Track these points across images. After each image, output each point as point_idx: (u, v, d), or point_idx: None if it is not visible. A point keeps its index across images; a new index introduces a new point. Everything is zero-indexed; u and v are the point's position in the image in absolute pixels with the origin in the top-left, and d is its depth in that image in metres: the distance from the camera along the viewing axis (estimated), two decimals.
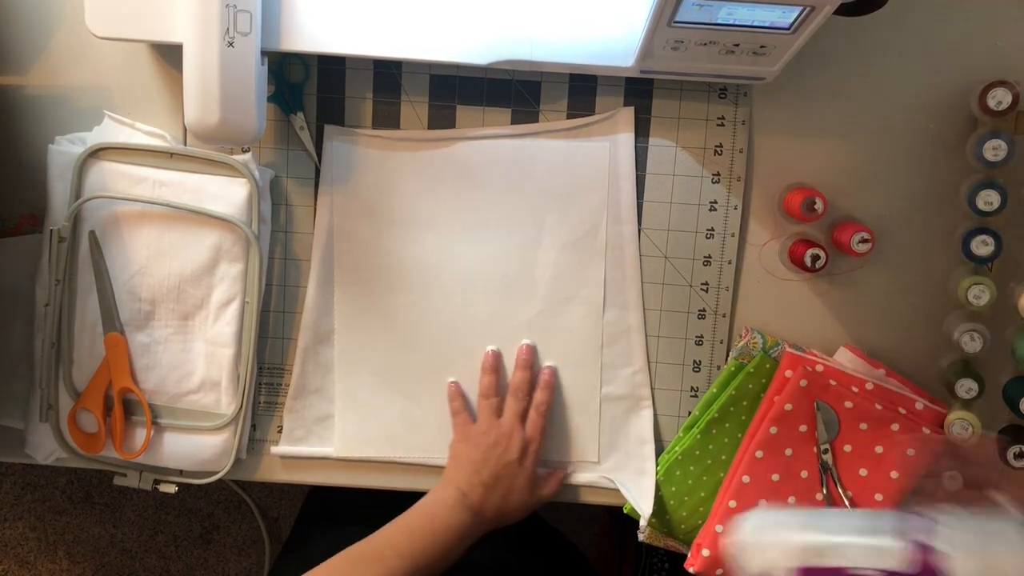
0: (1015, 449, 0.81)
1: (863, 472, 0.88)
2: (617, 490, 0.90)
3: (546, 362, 0.91)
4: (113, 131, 0.88)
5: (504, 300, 0.90)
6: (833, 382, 0.87)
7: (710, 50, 0.75)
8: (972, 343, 0.82)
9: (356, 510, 0.89)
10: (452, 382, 0.91)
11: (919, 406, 0.87)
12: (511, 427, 0.88)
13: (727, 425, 0.90)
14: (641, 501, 0.89)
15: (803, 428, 0.88)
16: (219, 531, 1.77)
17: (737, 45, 0.74)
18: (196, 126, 0.77)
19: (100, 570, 1.79)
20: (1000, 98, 0.79)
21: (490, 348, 0.90)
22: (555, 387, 0.91)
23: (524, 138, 0.88)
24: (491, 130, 0.88)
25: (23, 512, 1.77)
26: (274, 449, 0.92)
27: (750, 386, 0.89)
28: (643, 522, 0.89)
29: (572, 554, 1.13)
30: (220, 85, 0.75)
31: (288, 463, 0.93)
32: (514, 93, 0.88)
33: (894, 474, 0.87)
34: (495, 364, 0.90)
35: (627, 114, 0.87)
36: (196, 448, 0.90)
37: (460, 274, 0.90)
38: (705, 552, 0.89)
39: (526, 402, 0.89)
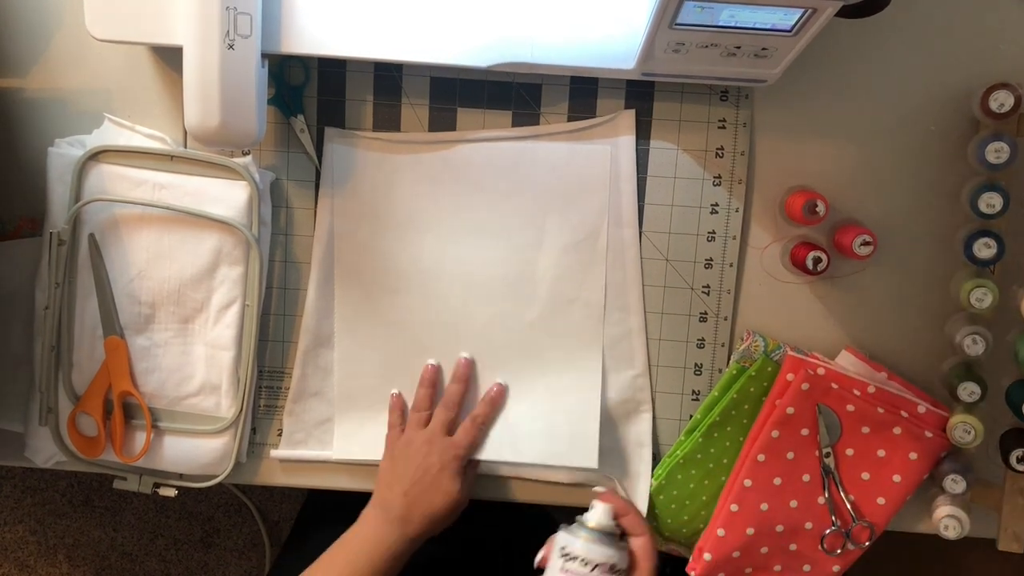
0: (1018, 452, 0.81)
1: (865, 476, 0.88)
2: (615, 488, 0.90)
3: (546, 361, 0.90)
4: (113, 134, 0.88)
5: (504, 303, 0.89)
6: (835, 385, 0.86)
7: (711, 52, 0.75)
8: (974, 346, 0.82)
9: (355, 512, 0.89)
10: (395, 393, 0.91)
11: (921, 409, 0.87)
12: (433, 434, 0.86)
13: (729, 429, 0.89)
14: (637, 503, 0.89)
15: (805, 431, 0.87)
16: (219, 534, 1.76)
17: (739, 47, 0.74)
18: (196, 129, 0.77)
19: (100, 574, 1.78)
20: (1002, 100, 0.79)
21: (431, 362, 0.90)
22: (500, 406, 0.90)
23: (525, 140, 0.87)
24: (492, 132, 0.87)
25: (23, 515, 1.76)
26: (274, 452, 0.92)
27: (752, 389, 0.88)
28: None
29: None
30: (220, 88, 0.75)
31: (288, 466, 0.93)
32: (515, 96, 0.87)
33: (896, 477, 0.87)
34: (432, 378, 0.90)
35: (628, 116, 0.87)
36: (196, 451, 0.90)
37: (460, 276, 0.89)
38: (707, 556, 0.89)
39: (455, 412, 0.88)
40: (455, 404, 0.88)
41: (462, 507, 0.86)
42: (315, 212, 0.89)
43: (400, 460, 0.86)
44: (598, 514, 0.78)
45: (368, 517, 0.84)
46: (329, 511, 1.06)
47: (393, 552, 0.82)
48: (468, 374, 0.90)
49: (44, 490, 1.75)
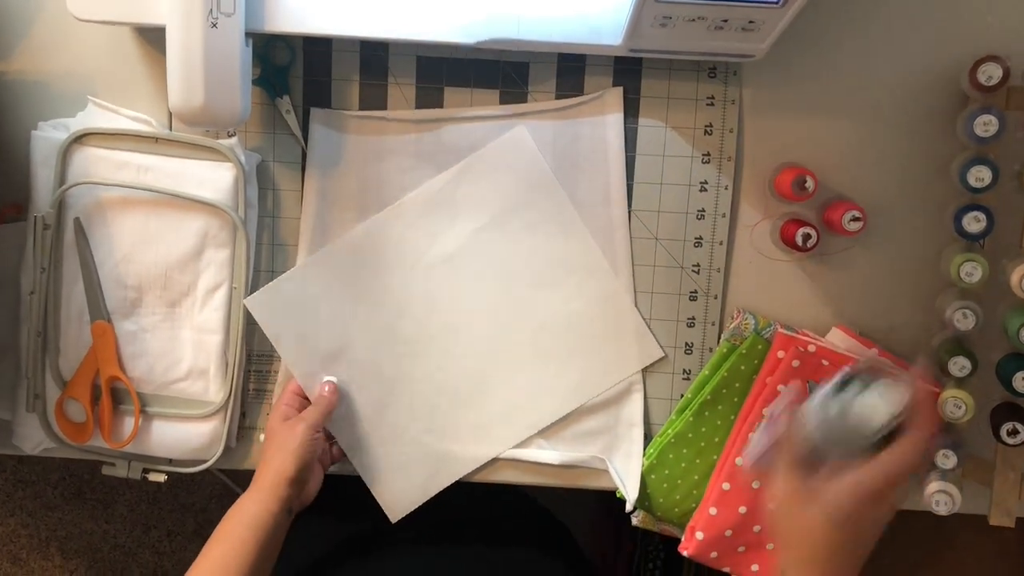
0: (1008, 426, 0.81)
1: None
2: (607, 472, 0.90)
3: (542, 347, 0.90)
4: (97, 117, 0.87)
5: (492, 282, 0.89)
6: (826, 362, 0.86)
7: (698, 26, 0.75)
8: (964, 320, 0.82)
9: (345, 494, 0.88)
10: (330, 381, 0.89)
11: None
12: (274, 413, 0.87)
13: (720, 407, 0.89)
14: (627, 484, 0.89)
15: None
16: (212, 525, 1.73)
17: (726, 21, 0.74)
18: (180, 109, 0.76)
19: (93, 566, 1.78)
20: (991, 73, 0.79)
21: (331, 380, 0.89)
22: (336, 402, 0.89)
23: (512, 119, 0.87)
24: (479, 110, 0.87)
25: (14, 508, 1.76)
26: (264, 437, 0.91)
27: (742, 368, 0.88)
28: (629, 505, 0.88)
29: (562, 535, 1.12)
30: (204, 67, 0.75)
31: None
32: (502, 74, 0.87)
33: None
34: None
35: (616, 94, 0.87)
36: (185, 436, 0.89)
37: (445, 257, 0.89)
38: (699, 535, 0.89)
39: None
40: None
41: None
42: (301, 194, 0.88)
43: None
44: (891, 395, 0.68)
45: (247, 495, 0.84)
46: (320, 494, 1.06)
47: (271, 521, 0.81)
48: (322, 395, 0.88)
49: (36, 483, 1.74)
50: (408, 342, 0.89)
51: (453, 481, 0.91)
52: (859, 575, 0.69)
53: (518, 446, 0.90)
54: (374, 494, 0.90)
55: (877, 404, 0.68)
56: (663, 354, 0.89)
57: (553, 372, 0.90)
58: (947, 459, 0.84)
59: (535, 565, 1.01)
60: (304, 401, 0.88)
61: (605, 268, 0.89)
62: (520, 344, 0.90)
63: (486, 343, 0.90)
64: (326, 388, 0.88)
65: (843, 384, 0.70)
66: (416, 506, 0.91)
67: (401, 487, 0.90)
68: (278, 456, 0.82)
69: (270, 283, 0.87)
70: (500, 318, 0.89)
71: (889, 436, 0.67)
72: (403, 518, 0.91)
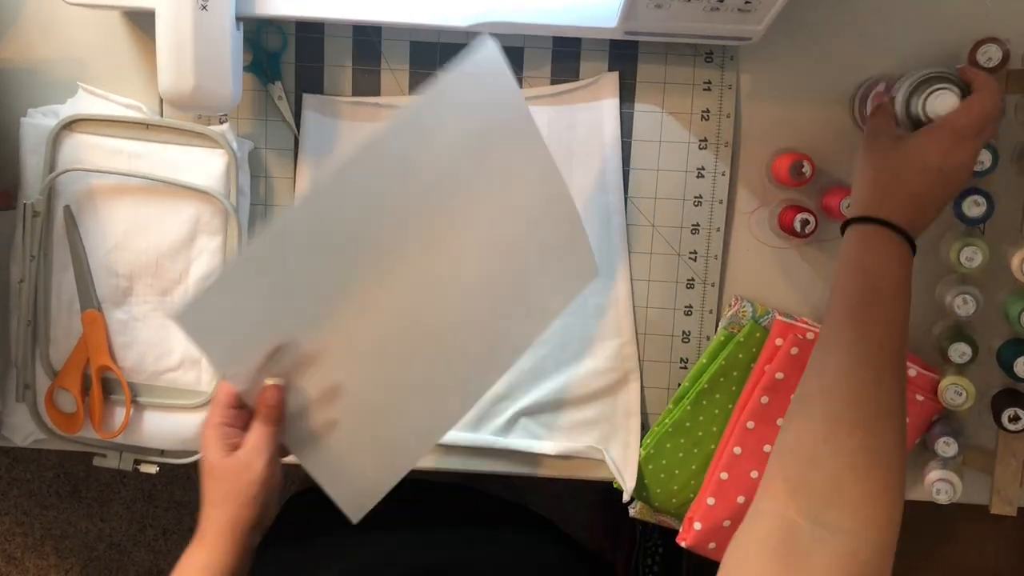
0: (1010, 412, 0.80)
1: None
2: (604, 463, 0.89)
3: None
4: (87, 103, 0.86)
5: (445, 254, 0.76)
6: None
7: (694, 8, 0.74)
8: (965, 306, 0.81)
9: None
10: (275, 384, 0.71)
11: (912, 373, 0.85)
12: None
13: (717, 396, 0.88)
14: (624, 474, 0.88)
15: None
16: None
17: (721, 1, 0.73)
18: (170, 93, 0.75)
19: (89, 565, 1.76)
20: (991, 54, 0.78)
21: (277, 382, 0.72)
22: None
23: None
24: None
25: (9, 507, 1.74)
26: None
27: (740, 356, 0.87)
28: (626, 496, 0.87)
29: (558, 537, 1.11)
30: (194, 50, 0.74)
31: None
32: None
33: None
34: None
35: (611, 79, 0.86)
36: (177, 427, 0.88)
37: (436, 244, 0.79)
38: (697, 525, 0.88)
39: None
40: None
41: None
42: (294, 181, 0.88)
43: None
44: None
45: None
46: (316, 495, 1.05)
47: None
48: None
49: (30, 481, 1.73)
50: (352, 318, 0.73)
51: (410, 468, 0.78)
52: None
53: (509, 435, 0.89)
54: (331, 496, 0.75)
55: (949, 103, 0.70)
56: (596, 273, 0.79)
57: (500, 330, 0.79)
58: (948, 447, 0.83)
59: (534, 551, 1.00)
60: (243, 414, 0.71)
61: (572, 214, 0.77)
62: (473, 314, 0.77)
63: (434, 316, 0.76)
64: (273, 395, 0.70)
65: (919, 85, 0.73)
66: (375, 502, 0.77)
67: (357, 484, 0.77)
68: (231, 504, 0.68)
69: (197, 294, 0.68)
70: (449, 289, 0.76)
71: None
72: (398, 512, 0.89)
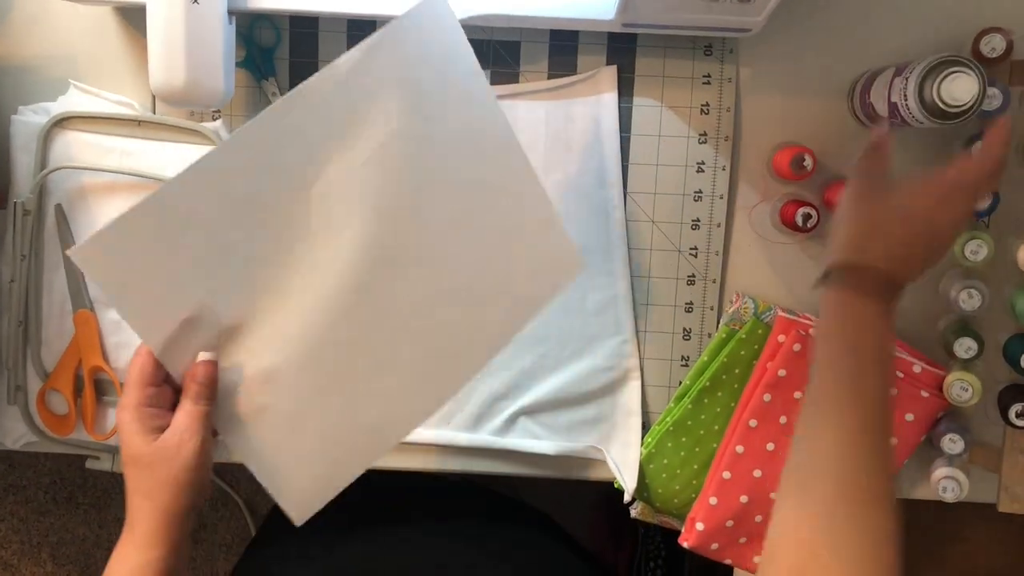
0: (1017, 408, 0.79)
1: None
2: (604, 462, 0.87)
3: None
4: (78, 100, 0.85)
5: (399, 212, 0.70)
6: None
7: None
8: (970, 300, 0.80)
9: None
10: (208, 360, 0.66)
11: (917, 369, 0.84)
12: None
13: (719, 394, 0.87)
14: (625, 474, 0.86)
15: (798, 395, 0.85)
16: (206, 529, 1.73)
17: None
18: (162, 88, 0.74)
19: (86, 572, 1.75)
20: (994, 45, 0.77)
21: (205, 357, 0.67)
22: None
23: (503, 100, 0.85)
24: None
25: (5, 514, 1.73)
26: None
27: (742, 353, 0.86)
28: (627, 496, 0.86)
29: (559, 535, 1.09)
30: (185, 44, 0.73)
31: None
32: (492, 53, 0.85)
33: (892, 440, 0.84)
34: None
35: (610, 73, 0.85)
36: None
37: (384, 215, 0.70)
38: (700, 526, 0.86)
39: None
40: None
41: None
42: None
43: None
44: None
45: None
46: None
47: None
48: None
49: (26, 487, 1.72)
50: (283, 292, 0.67)
51: (365, 468, 0.72)
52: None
53: (508, 435, 0.88)
54: (270, 492, 0.70)
55: (966, 86, 0.69)
56: (581, 269, 0.73)
57: (469, 318, 0.72)
58: (954, 444, 0.82)
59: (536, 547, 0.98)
60: (165, 392, 0.66)
61: (538, 192, 0.71)
62: (428, 300, 0.70)
63: (383, 301, 0.69)
64: (205, 370, 0.65)
65: (932, 69, 0.71)
66: (323, 503, 0.71)
67: (301, 482, 0.70)
68: (163, 494, 0.63)
69: (101, 229, 0.63)
70: (398, 270, 0.69)
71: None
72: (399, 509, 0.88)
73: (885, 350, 0.63)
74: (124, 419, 0.64)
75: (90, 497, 1.73)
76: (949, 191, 0.65)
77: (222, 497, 1.71)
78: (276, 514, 1.09)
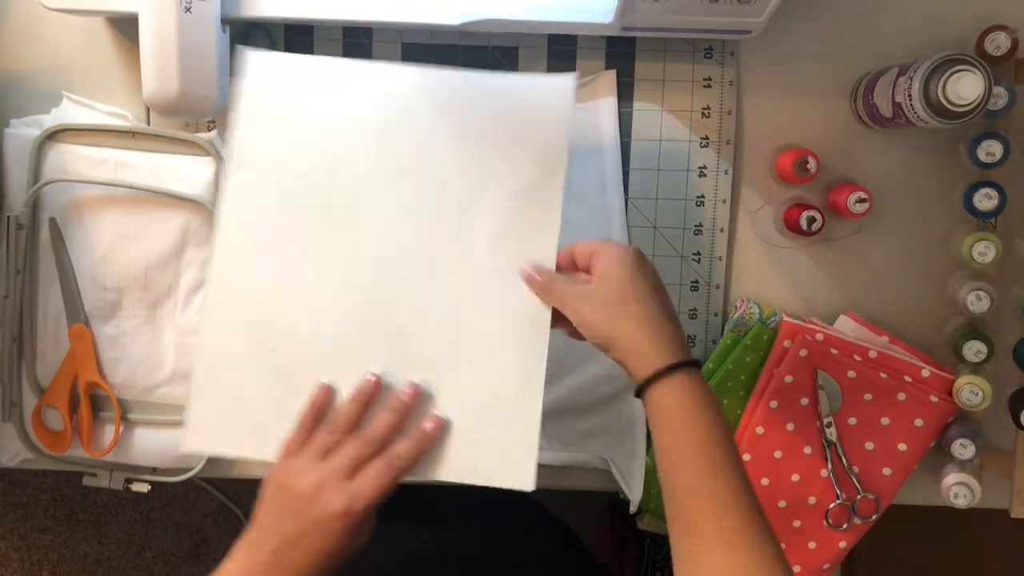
0: None
1: (869, 445, 0.84)
2: (610, 472, 0.86)
3: (474, 340, 0.72)
4: (72, 112, 0.84)
5: (428, 260, 0.73)
6: (834, 351, 0.83)
7: (692, 0, 0.72)
8: (979, 303, 0.79)
9: None
10: (325, 385, 0.69)
11: (925, 373, 0.83)
12: (330, 476, 0.64)
13: (725, 401, 0.85)
14: (631, 484, 0.85)
15: (804, 401, 0.83)
16: (208, 544, 1.72)
17: None
18: (155, 98, 0.73)
19: None
20: (999, 43, 0.76)
21: (374, 372, 0.69)
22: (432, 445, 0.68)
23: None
24: None
25: (5, 532, 1.72)
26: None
27: (747, 359, 0.85)
28: (633, 507, 0.85)
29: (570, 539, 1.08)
30: (178, 54, 0.72)
31: None
32: (490, 59, 0.84)
33: (902, 446, 0.83)
34: (369, 395, 0.69)
35: (609, 77, 0.84)
36: (168, 443, 0.85)
37: (377, 227, 0.72)
38: None
39: (376, 449, 0.67)
40: (377, 443, 0.67)
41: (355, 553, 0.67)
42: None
43: (280, 494, 0.66)
44: None
45: (239, 556, 0.65)
46: None
47: None
48: (413, 406, 0.69)
49: (26, 505, 1.71)
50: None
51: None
52: None
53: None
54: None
55: (972, 85, 0.68)
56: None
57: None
58: (965, 449, 0.80)
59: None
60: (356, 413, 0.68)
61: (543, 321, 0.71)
62: (421, 336, 0.71)
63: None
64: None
65: (937, 67, 0.70)
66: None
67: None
68: (313, 560, 0.63)
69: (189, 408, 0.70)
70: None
71: None
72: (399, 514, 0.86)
73: (721, 428, 0.62)
74: (299, 465, 0.67)
75: (90, 514, 1.72)
76: (634, 257, 0.67)
77: (223, 512, 1.69)
78: None
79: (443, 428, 0.68)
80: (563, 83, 0.72)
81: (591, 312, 0.65)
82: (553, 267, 0.70)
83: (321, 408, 0.69)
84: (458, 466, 0.69)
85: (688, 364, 0.62)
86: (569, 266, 0.70)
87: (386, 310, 0.71)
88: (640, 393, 0.63)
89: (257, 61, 0.73)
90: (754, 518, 0.58)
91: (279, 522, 0.64)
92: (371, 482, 0.64)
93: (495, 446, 0.69)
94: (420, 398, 0.69)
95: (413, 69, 0.73)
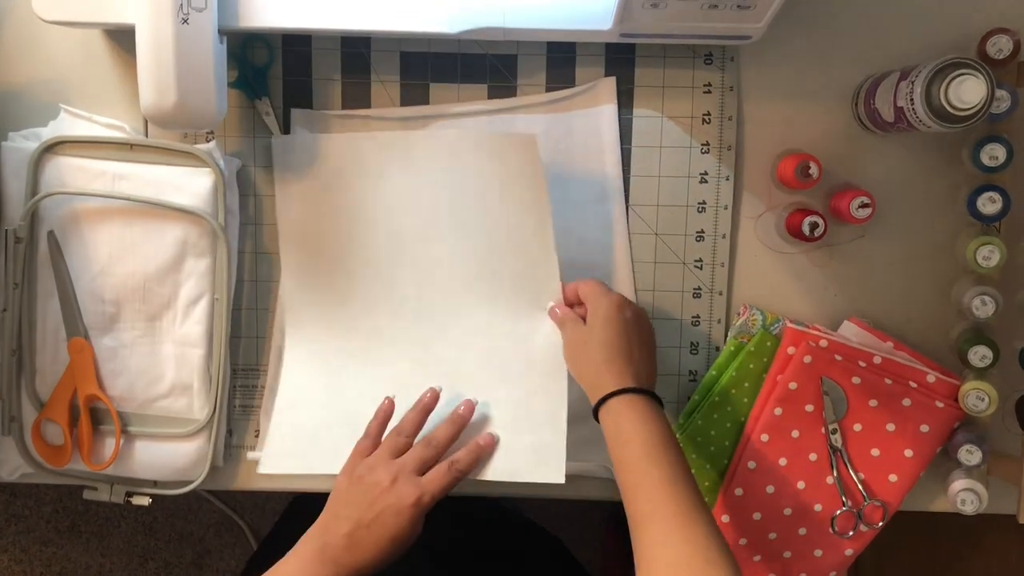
0: None
1: (875, 452, 0.83)
2: (613, 481, 0.85)
3: (507, 364, 0.83)
4: (69, 125, 0.84)
5: (464, 303, 0.85)
6: (839, 357, 0.82)
7: (691, 6, 0.71)
8: (983, 307, 0.78)
9: None
10: (389, 398, 0.81)
11: (931, 378, 0.82)
12: (402, 470, 0.74)
13: (729, 409, 0.85)
14: None
15: (809, 408, 0.83)
16: (211, 555, 1.71)
17: None
18: (152, 110, 0.73)
19: None
20: (1001, 46, 0.75)
21: (435, 387, 0.80)
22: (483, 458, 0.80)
23: (502, 114, 0.83)
24: (467, 106, 0.83)
25: (7, 544, 1.71)
26: (250, 455, 0.87)
27: (751, 366, 0.84)
28: None
29: (556, 549, 1.07)
30: (176, 65, 0.71)
31: None
32: (489, 68, 0.83)
33: (908, 452, 0.83)
34: (430, 405, 0.80)
35: (609, 84, 0.83)
36: (169, 456, 0.85)
37: (419, 272, 0.84)
38: None
39: (438, 454, 0.77)
40: (441, 447, 0.78)
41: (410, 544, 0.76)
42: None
43: (357, 485, 0.75)
44: None
45: (303, 552, 0.73)
46: (315, 509, 1.01)
47: None
48: (468, 419, 0.80)
49: (28, 517, 1.70)
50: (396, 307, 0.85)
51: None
52: None
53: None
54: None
55: (975, 89, 0.68)
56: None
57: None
58: (971, 455, 0.79)
59: None
60: (419, 420, 0.79)
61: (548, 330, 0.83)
62: (462, 363, 0.85)
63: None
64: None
65: (939, 71, 0.70)
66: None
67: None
68: (384, 546, 0.72)
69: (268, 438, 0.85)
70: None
71: None
72: None
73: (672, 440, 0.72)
74: (383, 459, 0.77)
75: (93, 526, 1.71)
76: (612, 300, 0.77)
77: (226, 522, 1.69)
78: (278, 530, 1.08)
79: (494, 443, 0.80)
80: (528, 141, 0.78)
81: (568, 353, 0.79)
82: (561, 300, 0.82)
83: (386, 418, 0.80)
84: (501, 467, 0.80)
85: (630, 391, 0.72)
86: (573, 301, 0.81)
87: (432, 348, 0.85)
88: (596, 418, 0.74)
89: (281, 145, 0.84)
90: (691, 503, 0.66)
91: (355, 509, 0.73)
92: (438, 480, 0.75)
93: (530, 449, 0.80)
94: (474, 412, 0.81)
95: (416, 134, 0.84)
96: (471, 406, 0.81)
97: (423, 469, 0.75)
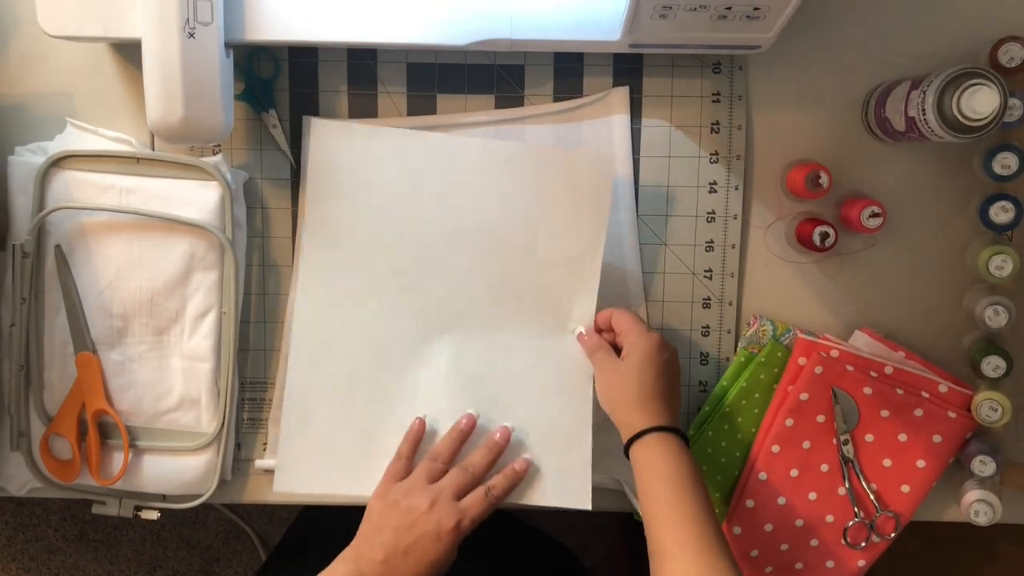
0: None
1: (887, 463, 0.83)
2: (623, 493, 0.85)
3: (531, 386, 0.83)
4: (76, 138, 0.83)
5: (486, 319, 0.84)
6: (850, 367, 0.81)
7: (701, 16, 0.71)
8: (996, 317, 0.77)
9: (351, 524, 0.83)
10: (420, 418, 0.82)
11: (943, 389, 0.82)
12: (440, 495, 0.75)
13: (740, 420, 0.84)
14: None
15: (821, 418, 0.82)
16: (219, 563, 1.71)
17: (729, 8, 0.70)
18: (159, 124, 0.73)
19: None
20: (1012, 53, 0.75)
21: (471, 412, 0.81)
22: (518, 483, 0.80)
23: (510, 124, 0.83)
24: (474, 116, 0.83)
25: (16, 553, 1.71)
26: (259, 463, 0.86)
27: (762, 377, 0.84)
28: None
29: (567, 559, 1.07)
30: (182, 79, 0.71)
31: None
32: (497, 78, 0.83)
33: (920, 463, 0.82)
34: (467, 431, 0.80)
35: (621, 94, 0.83)
36: (178, 470, 0.85)
37: (440, 284, 0.83)
38: None
39: (475, 480, 0.78)
40: (478, 474, 0.78)
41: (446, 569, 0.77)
42: (292, 211, 0.85)
43: (393, 510, 0.75)
44: None
45: (339, 569, 0.74)
46: (325, 520, 1.01)
47: None
48: (504, 445, 0.81)
49: (36, 526, 1.70)
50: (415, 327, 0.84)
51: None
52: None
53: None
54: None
55: (987, 99, 0.68)
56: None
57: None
58: (985, 466, 0.79)
59: None
60: (455, 446, 0.80)
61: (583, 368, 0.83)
62: (485, 385, 0.84)
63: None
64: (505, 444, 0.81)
65: (951, 81, 0.69)
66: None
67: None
68: (421, 571, 0.72)
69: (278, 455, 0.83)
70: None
71: None
72: None
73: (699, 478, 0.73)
74: (414, 482, 0.77)
75: (100, 534, 1.71)
76: (656, 342, 0.77)
77: (234, 530, 1.68)
78: (287, 541, 1.07)
79: (529, 468, 0.80)
80: (605, 165, 0.81)
81: (601, 384, 0.79)
82: (592, 326, 0.82)
83: (417, 440, 0.80)
84: (528, 492, 0.81)
85: (661, 429, 0.73)
86: (603, 328, 0.81)
87: (454, 361, 0.83)
88: (627, 454, 0.75)
89: (321, 128, 0.82)
90: (714, 541, 0.67)
91: (391, 534, 0.73)
92: (477, 505, 0.75)
93: (557, 473, 0.81)
94: (509, 439, 0.81)
95: (470, 141, 0.82)
96: (507, 433, 0.81)
97: (460, 495, 0.76)
